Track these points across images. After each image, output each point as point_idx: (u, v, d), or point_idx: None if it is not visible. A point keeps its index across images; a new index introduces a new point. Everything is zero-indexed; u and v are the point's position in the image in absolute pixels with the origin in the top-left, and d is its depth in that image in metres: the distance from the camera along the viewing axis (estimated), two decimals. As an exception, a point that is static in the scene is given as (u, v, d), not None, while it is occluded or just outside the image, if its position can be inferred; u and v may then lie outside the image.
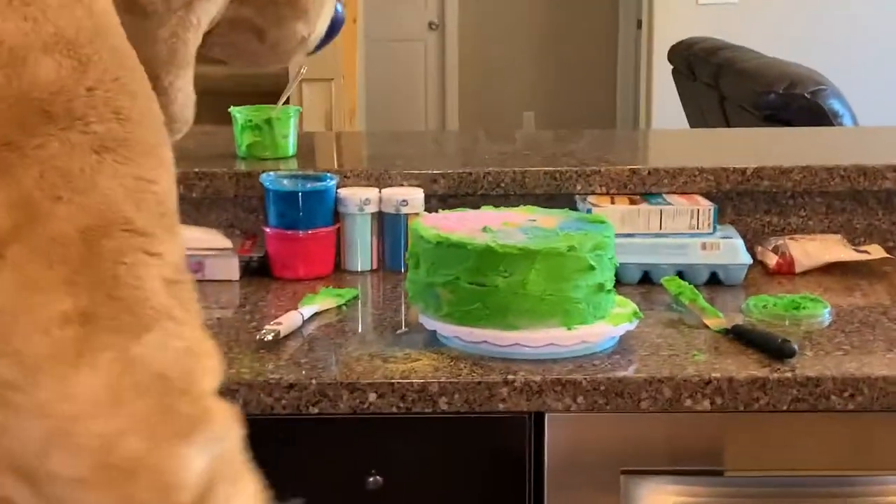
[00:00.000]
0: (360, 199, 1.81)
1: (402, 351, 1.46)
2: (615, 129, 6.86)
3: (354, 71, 4.11)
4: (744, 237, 1.87)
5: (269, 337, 1.46)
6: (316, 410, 1.37)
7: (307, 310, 1.58)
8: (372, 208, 1.81)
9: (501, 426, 1.41)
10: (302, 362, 1.43)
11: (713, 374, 1.39)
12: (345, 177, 1.86)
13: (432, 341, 1.49)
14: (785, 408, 1.39)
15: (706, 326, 1.55)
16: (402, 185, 1.86)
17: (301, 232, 1.77)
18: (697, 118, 5.31)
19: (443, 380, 1.39)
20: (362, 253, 1.82)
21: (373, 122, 6.60)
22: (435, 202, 1.85)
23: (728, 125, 4.58)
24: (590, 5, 7.50)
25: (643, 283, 1.76)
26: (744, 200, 1.91)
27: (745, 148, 2.23)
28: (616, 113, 7.49)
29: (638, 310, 1.52)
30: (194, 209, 1.84)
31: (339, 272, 1.82)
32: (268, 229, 1.79)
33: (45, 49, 0.71)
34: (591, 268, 1.45)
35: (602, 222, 1.54)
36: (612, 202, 1.83)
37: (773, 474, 1.44)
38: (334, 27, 1.11)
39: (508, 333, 1.43)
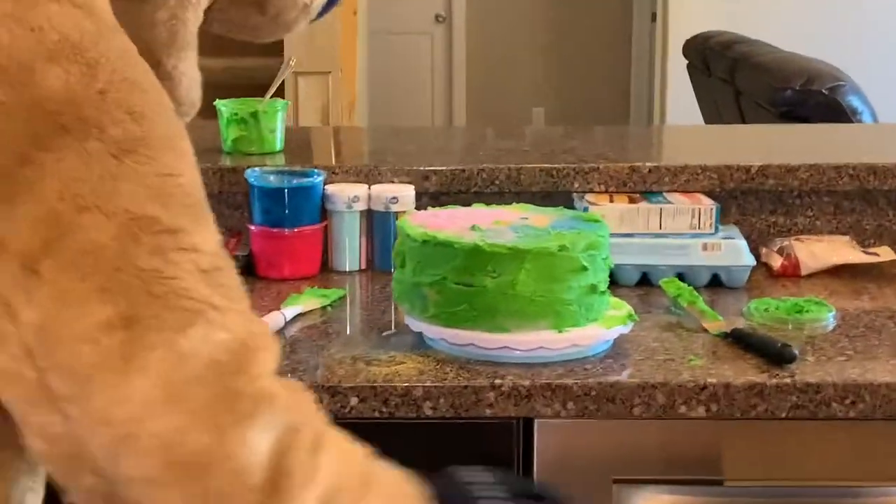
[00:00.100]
0: (348, 196, 1.81)
1: (386, 353, 1.46)
2: (628, 126, 6.85)
3: (354, 64, 4.11)
4: (748, 238, 1.87)
5: (249, 338, 1.45)
6: (295, 415, 1.37)
7: (290, 311, 1.58)
8: (361, 206, 1.81)
9: (488, 432, 1.41)
10: (283, 365, 1.42)
11: (709, 380, 1.39)
12: (333, 173, 1.85)
13: (418, 344, 1.49)
14: (784, 415, 1.39)
15: (705, 330, 1.55)
16: (392, 182, 1.86)
17: (287, 230, 1.77)
18: (713, 114, 5.31)
19: (428, 384, 1.38)
20: (350, 252, 1.82)
21: (376, 118, 6.60)
22: (427, 200, 1.85)
23: (744, 122, 4.57)
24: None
25: (642, 284, 1.76)
26: (749, 199, 1.90)
27: (754, 144, 2.23)
28: (630, 109, 7.48)
29: (633, 312, 1.51)
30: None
31: (326, 272, 1.82)
32: (252, 227, 1.79)
33: (52, 58, 0.72)
34: (584, 268, 1.44)
35: (596, 221, 1.53)
36: (611, 200, 1.82)
37: (773, 484, 1.44)
38: None
39: (496, 336, 1.43)
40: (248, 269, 1.78)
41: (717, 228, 1.78)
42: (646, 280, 1.76)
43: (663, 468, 1.43)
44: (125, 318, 0.71)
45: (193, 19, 0.90)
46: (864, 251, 1.83)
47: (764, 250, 1.86)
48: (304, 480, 0.74)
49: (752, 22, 5.88)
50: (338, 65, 3.59)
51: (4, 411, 0.76)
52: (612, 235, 1.72)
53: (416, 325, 1.48)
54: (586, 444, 1.42)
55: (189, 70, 0.90)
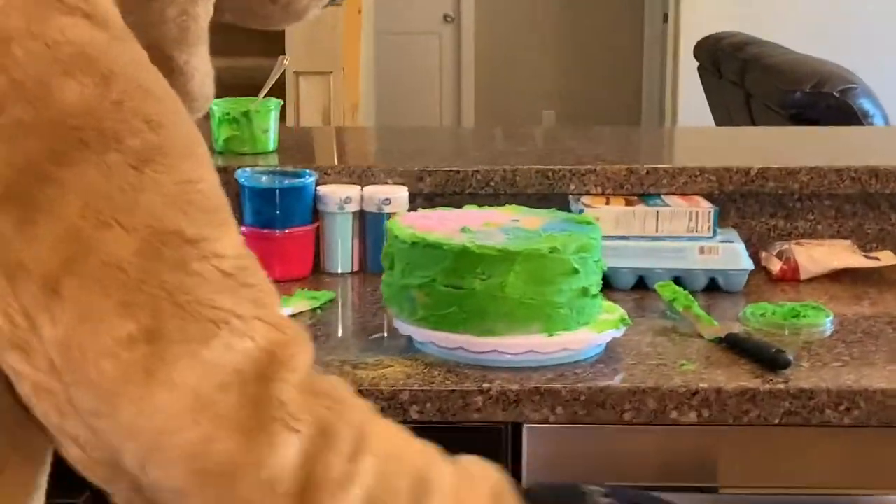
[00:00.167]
0: (340, 197, 1.81)
1: (373, 357, 1.47)
2: (633, 127, 6.84)
3: (358, 64, 4.12)
4: (748, 241, 1.87)
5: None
6: (280, 418, 1.37)
7: (278, 313, 1.58)
8: (353, 207, 1.82)
9: (476, 437, 1.41)
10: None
11: (700, 385, 1.39)
12: (325, 174, 1.86)
13: (407, 347, 1.49)
14: (777, 421, 1.39)
15: (700, 335, 1.55)
16: (385, 183, 1.86)
17: (277, 231, 1.78)
18: (724, 117, 5.30)
19: (415, 387, 1.39)
20: (342, 254, 1.82)
21: (384, 119, 6.61)
22: (421, 201, 1.85)
23: (754, 124, 4.57)
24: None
25: (638, 288, 1.76)
26: (748, 202, 1.90)
27: (757, 146, 2.23)
28: (641, 111, 7.48)
29: (626, 316, 1.52)
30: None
31: (317, 274, 1.82)
32: (243, 228, 1.80)
33: (67, 72, 0.72)
34: (575, 271, 1.45)
35: (589, 223, 1.54)
36: (607, 203, 1.83)
37: (769, 492, 1.44)
38: None
39: (485, 339, 1.43)
40: (239, 270, 1.78)
41: (714, 232, 1.78)
42: (642, 284, 1.76)
43: (655, 475, 1.43)
44: (148, 331, 0.71)
45: (204, 14, 0.90)
46: (865, 256, 1.83)
47: (763, 254, 1.86)
48: (339, 486, 0.73)
49: (765, 23, 5.87)
50: (339, 65, 3.60)
51: (30, 426, 0.77)
52: (608, 238, 1.73)
53: (405, 328, 1.48)
54: (576, 450, 1.42)
55: (201, 64, 0.91)
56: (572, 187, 1.87)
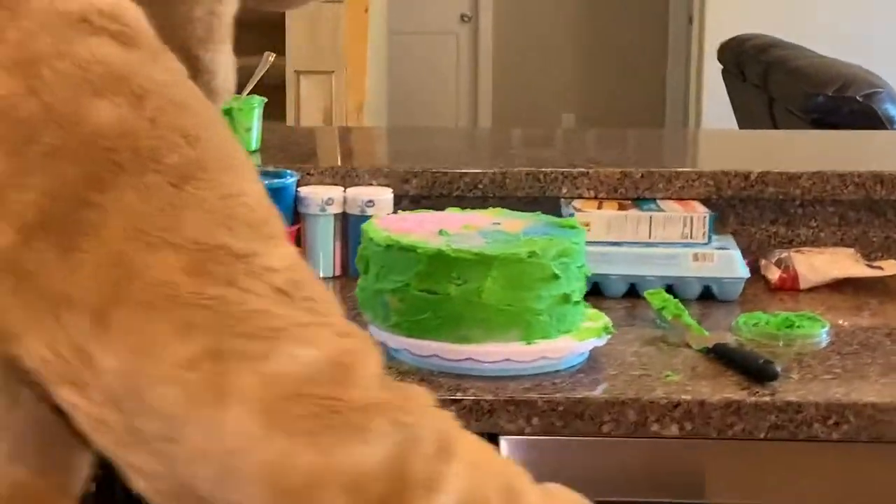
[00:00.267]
0: (322, 198, 1.81)
1: (345, 364, 1.46)
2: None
3: (364, 64, 4.12)
4: (747, 249, 1.86)
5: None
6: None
7: (251, 317, 1.57)
8: (335, 209, 1.81)
9: (449, 448, 1.40)
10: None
11: (683, 397, 1.38)
12: (308, 174, 1.86)
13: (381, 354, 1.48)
14: (762, 435, 1.37)
15: (689, 345, 1.54)
16: (370, 185, 1.85)
17: (256, 233, 1.77)
18: (747, 121, 5.29)
19: (385, 396, 1.38)
20: (324, 257, 1.82)
21: (397, 120, 6.62)
22: (407, 203, 1.85)
23: (776, 129, 4.55)
24: (637, -2, 7.49)
25: (629, 296, 1.74)
26: (748, 208, 1.89)
27: (763, 150, 2.22)
28: (665, 114, 7.46)
29: (610, 325, 1.50)
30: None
31: (298, 278, 1.81)
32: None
33: (98, 92, 0.72)
34: (556, 276, 1.44)
35: (573, 227, 1.53)
36: (599, 207, 1.82)
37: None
38: None
39: (461, 347, 1.42)
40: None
41: (710, 238, 1.77)
42: (634, 291, 1.74)
43: (635, 490, 1.42)
44: (207, 351, 0.71)
45: (230, 10, 0.90)
46: (867, 265, 1.81)
47: (763, 262, 1.84)
48: (427, 489, 0.73)
49: (791, 26, 5.84)
50: (342, 64, 3.60)
51: (64, 438, 0.78)
52: (599, 244, 1.73)
53: (379, 334, 1.47)
54: (554, 463, 1.41)
55: (225, 59, 0.90)
56: (564, 191, 1.86)
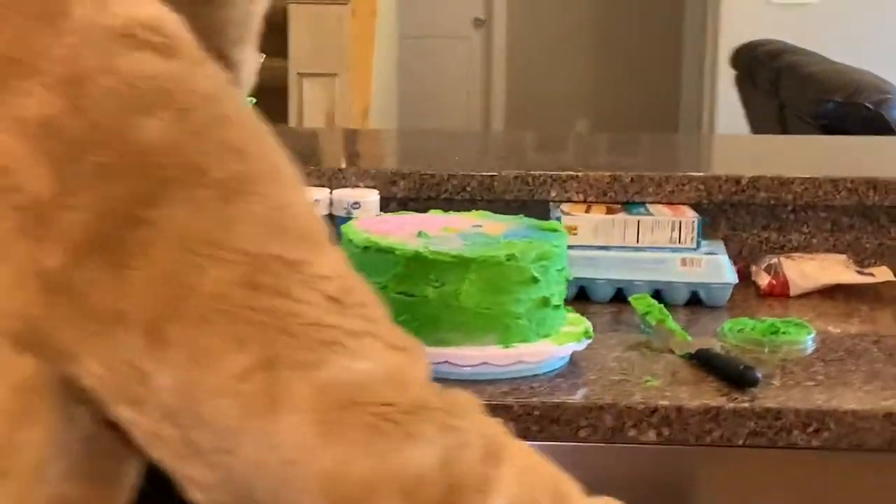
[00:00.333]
0: (308, 200, 1.80)
1: (322, 366, 1.46)
2: (676, 135, 6.81)
3: (370, 67, 4.12)
4: (739, 254, 1.85)
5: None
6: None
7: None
8: (321, 210, 1.81)
9: (425, 452, 1.39)
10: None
11: (660, 402, 1.37)
12: (294, 175, 1.85)
13: (360, 357, 1.48)
14: (741, 442, 1.37)
15: (672, 351, 1.53)
16: (357, 187, 1.85)
17: (241, 234, 1.77)
18: (759, 127, 5.27)
19: (361, 399, 1.37)
20: (309, 259, 1.81)
21: (408, 125, 6.62)
22: (394, 205, 1.85)
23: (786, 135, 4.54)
24: (652, 2, 7.47)
25: (617, 301, 1.74)
26: (739, 213, 1.88)
27: (759, 155, 2.21)
28: (679, 120, 7.45)
29: (590, 329, 1.50)
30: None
31: (283, 280, 1.81)
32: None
33: (145, 109, 0.72)
34: (535, 280, 1.43)
35: (555, 231, 1.52)
36: (588, 211, 1.81)
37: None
38: None
39: (438, 350, 1.41)
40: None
41: (699, 243, 1.76)
42: (621, 296, 1.74)
43: (614, 496, 1.41)
44: (262, 362, 0.72)
45: (261, 9, 0.91)
46: (858, 271, 1.80)
47: (754, 268, 1.84)
48: (480, 493, 0.74)
49: (810, 31, 5.83)
50: (345, 67, 3.61)
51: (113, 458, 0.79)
52: (586, 248, 1.73)
53: (357, 336, 1.47)
54: (531, 468, 1.40)
55: (251, 56, 0.91)
56: (553, 194, 1.85)
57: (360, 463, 0.72)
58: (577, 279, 1.73)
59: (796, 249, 1.88)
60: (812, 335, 1.58)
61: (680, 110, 7.46)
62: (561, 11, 7.52)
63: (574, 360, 1.48)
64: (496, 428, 0.80)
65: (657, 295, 1.71)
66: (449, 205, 1.81)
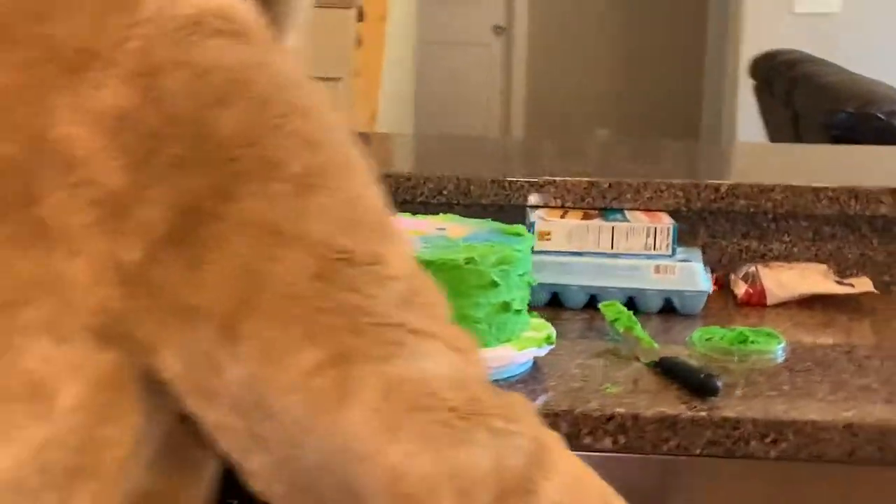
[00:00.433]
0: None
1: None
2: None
3: (378, 73, 4.12)
4: (718, 263, 1.84)
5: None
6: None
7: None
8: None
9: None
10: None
11: (617, 410, 1.36)
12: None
13: (319, 359, 1.48)
14: (698, 451, 1.35)
15: (638, 358, 1.52)
16: (332, 189, 1.85)
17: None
18: (775, 136, 5.25)
19: (314, 401, 1.37)
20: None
21: (425, 131, 6.62)
22: (370, 209, 1.83)
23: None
24: (674, 12, 7.45)
25: (590, 307, 1.73)
26: (719, 221, 1.87)
27: (753, 163, 2.19)
28: (700, 130, 7.42)
29: (553, 335, 1.49)
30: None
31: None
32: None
33: (222, 102, 0.72)
34: (494, 284, 1.42)
35: (519, 235, 1.51)
36: (563, 216, 1.80)
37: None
38: None
39: (394, 353, 1.41)
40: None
41: (674, 250, 1.75)
42: (595, 303, 1.72)
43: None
44: (332, 358, 0.72)
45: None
46: (838, 281, 1.78)
47: (732, 276, 1.82)
48: (528, 494, 0.75)
49: (834, 41, 5.80)
50: (349, 71, 3.60)
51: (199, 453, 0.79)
52: (560, 254, 1.72)
53: (316, 338, 1.46)
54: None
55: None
56: (530, 199, 1.84)
57: (422, 461, 0.73)
58: (549, 285, 1.72)
59: (777, 258, 1.86)
60: (782, 345, 1.56)
61: (702, 119, 7.43)
62: (582, 19, 7.51)
63: (538, 365, 1.48)
64: (549, 434, 0.80)
65: (630, 302, 1.70)
66: (425, 208, 1.80)
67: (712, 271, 1.84)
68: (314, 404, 0.72)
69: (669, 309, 1.72)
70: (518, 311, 1.46)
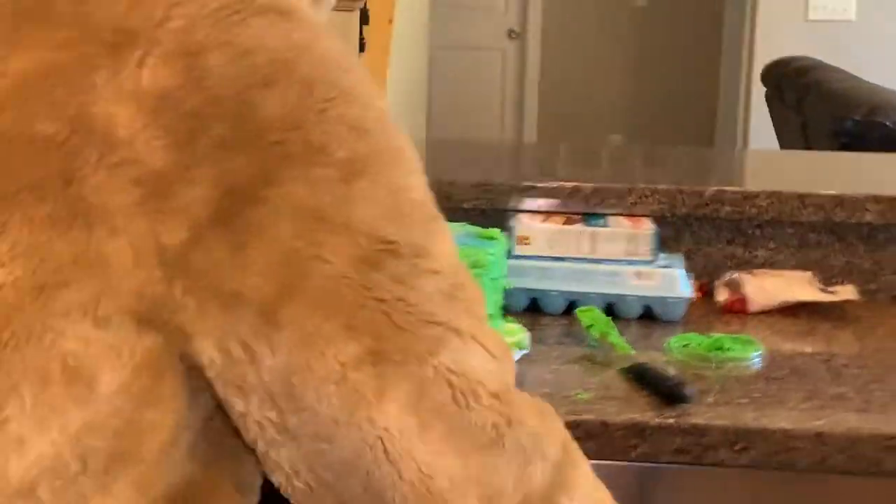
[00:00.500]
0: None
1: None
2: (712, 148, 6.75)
3: (384, 75, 4.12)
4: (703, 269, 1.83)
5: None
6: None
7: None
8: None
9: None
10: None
11: (585, 416, 1.35)
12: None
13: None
14: (666, 459, 1.34)
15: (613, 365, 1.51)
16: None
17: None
18: (785, 144, 5.23)
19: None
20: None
21: (438, 136, 6.61)
22: (352, 212, 1.83)
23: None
24: (689, 18, 7.43)
25: (570, 313, 1.72)
26: (704, 227, 1.86)
27: (722, 168, 2.18)
28: (714, 137, 7.40)
29: (524, 340, 1.48)
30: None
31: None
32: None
33: (267, 82, 0.71)
34: (465, 288, 1.42)
35: (493, 238, 1.51)
36: (545, 221, 1.79)
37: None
38: None
39: (363, 357, 1.40)
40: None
41: (655, 256, 1.74)
42: (574, 308, 1.72)
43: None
44: (371, 352, 0.71)
45: None
46: (821, 289, 1.77)
47: (716, 283, 1.81)
48: (549, 500, 0.75)
49: (848, 48, 5.78)
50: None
51: (241, 455, 0.79)
52: (540, 259, 1.71)
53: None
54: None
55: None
56: (511, 203, 1.83)
57: (451, 463, 0.72)
58: (529, 290, 1.72)
59: (762, 266, 1.85)
60: (759, 352, 1.55)
61: (716, 126, 7.41)
62: (596, 24, 7.50)
63: (509, 371, 1.47)
64: (575, 449, 0.81)
65: (610, 308, 1.70)
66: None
67: (697, 278, 1.83)
68: (350, 397, 0.71)
69: (650, 315, 1.71)
70: (490, 316, 1.45)
